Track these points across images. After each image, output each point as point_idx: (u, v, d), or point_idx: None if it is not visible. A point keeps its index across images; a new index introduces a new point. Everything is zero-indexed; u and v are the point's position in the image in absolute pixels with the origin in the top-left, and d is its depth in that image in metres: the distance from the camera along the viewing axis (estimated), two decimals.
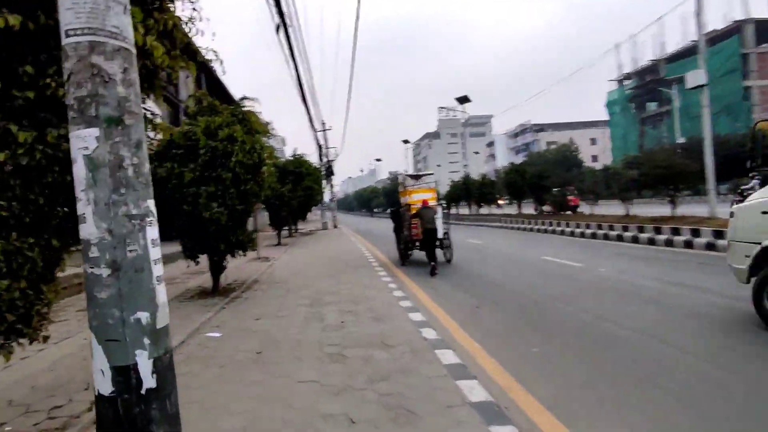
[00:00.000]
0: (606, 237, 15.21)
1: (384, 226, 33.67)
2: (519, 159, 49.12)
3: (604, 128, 72.36)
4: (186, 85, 19.75)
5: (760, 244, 4.56)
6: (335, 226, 35.43)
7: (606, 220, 17.42)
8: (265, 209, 20.09)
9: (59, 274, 2.93)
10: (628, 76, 59.96)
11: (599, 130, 75.08)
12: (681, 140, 32.29)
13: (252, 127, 8.02)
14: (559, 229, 18.86)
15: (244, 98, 8.25)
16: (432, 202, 11.30)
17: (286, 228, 23.79)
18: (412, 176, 13.47)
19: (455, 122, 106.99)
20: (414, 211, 10.98)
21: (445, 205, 11.58)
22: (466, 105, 38.29)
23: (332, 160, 38.08)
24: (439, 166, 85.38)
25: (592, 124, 76.75)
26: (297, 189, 20.35)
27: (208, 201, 7.13)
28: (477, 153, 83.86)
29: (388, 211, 21.39)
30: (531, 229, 21.19)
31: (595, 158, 64.39)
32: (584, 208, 24.47)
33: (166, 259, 12.84)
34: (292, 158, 21.92)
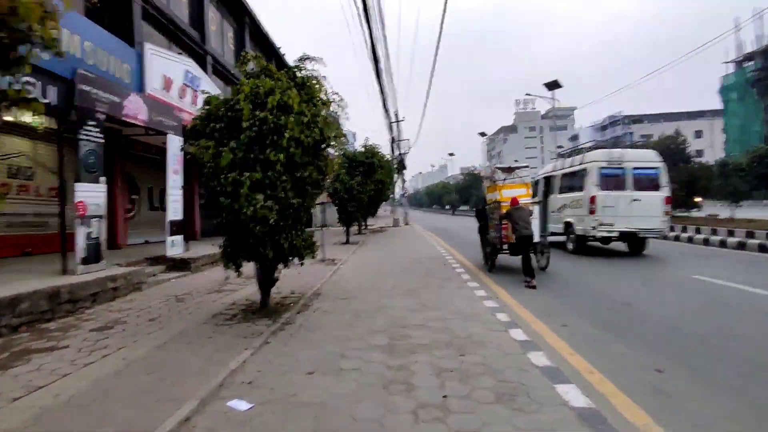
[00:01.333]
0: (764, 248, 11.75)
1: (457, 223, 30.76)
2: None
3: (712, 119, 63.48)
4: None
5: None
6: (406, 224, 33.34)
7: (756, 226, 13.92)
8: (334, 204, 18.46)
9: None
10: (749, 57, 51.48)
11: (706, 122, 66.01)
12: None
13: (313, 95, 6.00)
14: (685, 235, 15.36)
15: (304, 58, 6.22)
16: (525, 199, 9.32)
17: (356, 224, 22.05)
18: (503, 169, 11.08)
19: (533, 115, 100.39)
20: (504, 210, 8.93)
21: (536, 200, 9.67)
22: (551, 93, 34.43)
23: (405, 153, 35.98)
24: (516, 161, 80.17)
25: (698, 114, 67.64)
26: (367, 182, 18.49)
27: (253, 192, 5.22)
28: (560, 147, 77.62)
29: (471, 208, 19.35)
30: None
31: (700, 153, 55.73)
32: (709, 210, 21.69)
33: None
34: (362, 148, 20.06)
